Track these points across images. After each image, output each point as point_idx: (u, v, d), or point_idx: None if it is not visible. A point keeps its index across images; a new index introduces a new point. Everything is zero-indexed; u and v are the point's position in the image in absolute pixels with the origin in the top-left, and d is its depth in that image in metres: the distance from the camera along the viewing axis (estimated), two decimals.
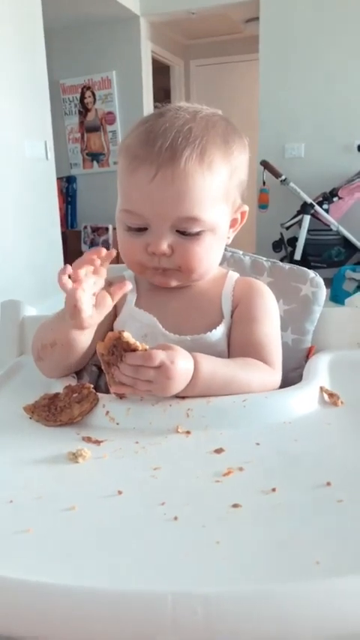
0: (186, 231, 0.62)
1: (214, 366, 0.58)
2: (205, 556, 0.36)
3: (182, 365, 0.55)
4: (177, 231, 0.62)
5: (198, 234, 0.63)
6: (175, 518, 0.40)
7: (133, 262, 0.66)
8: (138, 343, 0.55)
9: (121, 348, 0.55)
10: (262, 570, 0.34)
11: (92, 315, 0.59)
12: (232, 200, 0.66)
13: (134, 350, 0.55)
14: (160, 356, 0.53)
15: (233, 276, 0.72)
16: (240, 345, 0.66)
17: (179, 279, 0.66)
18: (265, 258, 0.83)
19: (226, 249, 0.83)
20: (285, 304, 0.78)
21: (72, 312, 0.58)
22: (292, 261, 3.46)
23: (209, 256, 0.66)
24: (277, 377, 0.64)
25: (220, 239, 0.67)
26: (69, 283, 0.57)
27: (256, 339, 0.65)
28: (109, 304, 0.61)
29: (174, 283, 0.67)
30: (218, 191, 0.63)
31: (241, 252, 0.84)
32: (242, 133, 0.68)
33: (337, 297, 2.20)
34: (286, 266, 0.82)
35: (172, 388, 0.55)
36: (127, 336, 0.55)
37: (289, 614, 0.31)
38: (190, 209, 0.61)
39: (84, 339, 0.62)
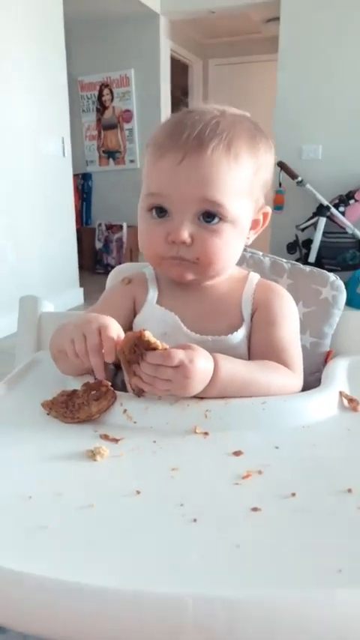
0: (208, 219, 0.62)
1: (234, 367, 0.58)
2: (225, 559, 0.35)
3: (201, 365, 0.55)
4: (198, 220, 0.62)
5: (219, 225, 0.62)
6: (195, 520, 0.39)
7: (151, 253, 0.66)
8: (159, 342, 0.55)
9: (142, 347, 0.55)
10: (283, 576, 0.34)
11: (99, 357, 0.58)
12: (255, 198, 0.66)
13: (154, 349, 0.55)
14: (179, 355, 0.53)
15: (254, 278, 0.72)
16: (260, 349, 0.66)
17: (196, 272, 0.65)
18: (285, 260, 0.83)
19: (245, 250, 0.83)
20: (304, 307, 0.78)
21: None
22: (306, 263, 3.44)
23: (228, 250, 0.65)
24: (298, 381, 0.64)
25: (241, 235, 0.66)
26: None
27: (276, 344, 0.65)
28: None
29: (190, 277, 0.66)
30: (243, 184, 0.63)
31: (260, 254, 0.84)
32: (269, 136, 0.68)
33: (352, 300, 2.18)
34: (307, 268, 0.81)
35: (190, 388, 0.55)
36: (149, 335, 0.55)
37: (311, 621, 0.30)
38: (214, 193, 0.61)
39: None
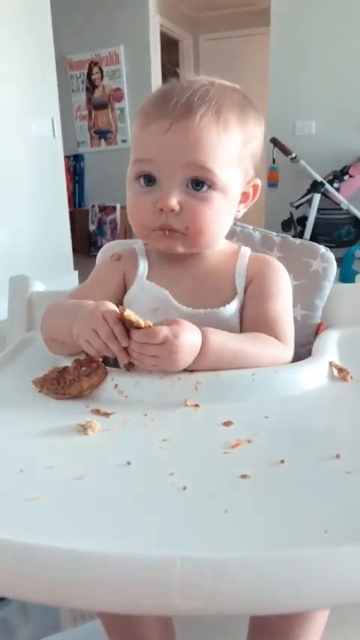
0: (197, 185, 0.61)
1: (223, 340, 0.58)
2: (213, 524, 0.36)
3: (188, 339, 0.55)
4: (187, 187, 0.61)
5: (208, 193, 0.62)
6: (184, 488, 0.40)
7: (139, 223, 0.65)
8: (141, 320, 0.55)
9: (127, 324, 0.55)
10: (269, 538, 0.34)
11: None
12: (244, 168, 0.65)
13: (138, 327, 0.55)
14: (163, 332, 0.54)
15: (246, 252, 0.71)
16: (252, 321, 0.66)
17: (185, 244, 0.64)
18: (275, 233, 0.82)
19: (235, 224, 0.82)
20: (295, 279, 0.77)
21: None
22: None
23: (218, 220, 0.64)
24: (288, 353, 0.64)
25: (230, 205, 0.66)
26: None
27: (268, 316, 0.65)
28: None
29: (180, 249, 0.65)
30: (232, 154, 0.62)
31: (251, 227, 0.83)
32: (259, 108, 0.68)
33: (347, 277, 2.18)
34: (297, 241, 0.81)
35: (177, 363, 0.55)
36: (129, 314, 0.55)
37: (297, 580, 0.31)
38: (204, 159, 0.60)
39: None
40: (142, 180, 0.63)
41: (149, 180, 0.63)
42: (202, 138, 0.60)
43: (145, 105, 0.64)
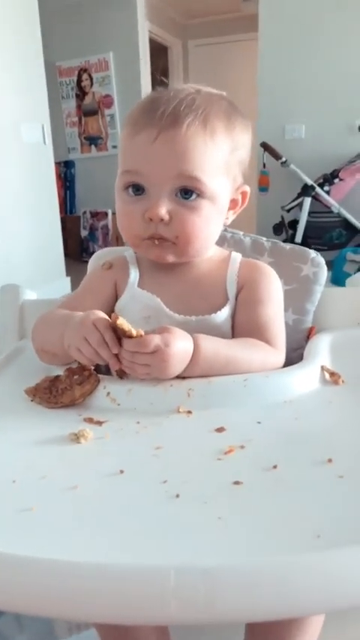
0: (186, 194, 0.61)
1: (215, 346, 0.58)
2: (206, 531, 0.36)
3: (179, 347, 0.55)
4: (176, 197, 0.62)
5: (197, 201, 0.62)
6: (177, 496, 0.40)
7: (130, 233, 0.65)
8: (133, 330, 0.55)
9: (119, 333, 0.55)
10: (263, 544, 0.34)
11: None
12: (232, 176, 0.66)
13: (130, 336, 0.55)
14: (154, 341, 0.54)
15: (237, 257, 0.71)
16: (244, 326, 0.66)
17: (175, 253, 0.65)
18: (265, 239, 0.83)
19: (226, 230, 0.83)
20: (286, 284, 0.78)
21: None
22: (292, 243, 3.44)
23: (207, 228, 0.65)
24: (279, 357, 0.64)
25: (219, 213, 0.66)
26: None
27: (260, 321, 0.65)
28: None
29: (170, 258, 0.65)
30: (219, 162, 0.63)
31: (241, 233, 0.84)
32: (246, 115, 0.68)
33: (338, 279, 2.19)
34: (287, 246, 0.82)
35: (169, 371, 0.55)
36: (122, 322, 0.55)
37: (291, 586, 0.31)
38: (191, 168, 0.60)
39: None
40: (130, 190, 0.63)
41: (138, 189, 0.63)
42: (190, 147, 0.60)
43: (132, 114, 0.64)
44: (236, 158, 0.66)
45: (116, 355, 0.56)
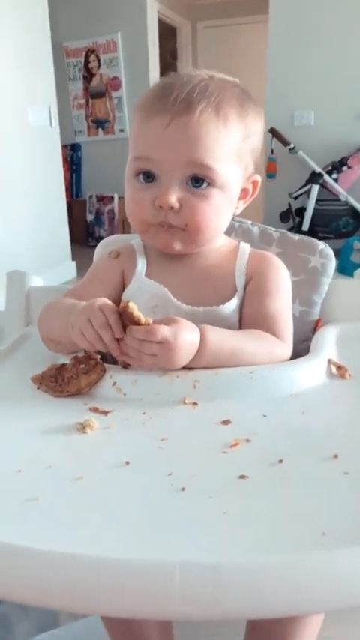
0: (197, 182, 0.61)
1: (221, 338, 0.58)
2: (212, 526, 0.36)
3: (186, 338, 0.55)
4: (186, 185, 0.61)
5: (208, 190, 0.61)
6: (183, 489, 0.40)
7: (138, 220, 0.65)
8: (142, 317, 0.54)
9: (126, 319, 0.55)
10: (268, 541, 0.34)
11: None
12: (244, 164, 0.65)
13: (137, 323, 0.54)
14: (162, 331, 0.53)
15: (246, 248, 0.71)
16: (252, 318, 0.65)
17: (184, 241, 0.64)
18: (274, 229, 0.82)
19: (234, 219, 0.82)
20: (294, 275, 0.77)
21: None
22: (299, 231, 3.42)
23: (217, 217, 0.64)
24: (286, 350, 0.64)
25: (230, 202, 0.65)
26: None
27: (268, 313, 0.65)
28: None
29: (178, 246, 0.64)
30: (231, 149, 0.62)
31: (249, 223, 0.83)
32: (259, 102, 0.67)
33: (345, 268, 2.17)
34: (296, 237, 0.81)
35: (175, 362, 0.55)
36: (133, 307, 0.55)
37: (296, 584, 0.31)
38: (203, 156, 0.60)
39: None
40: (141, 177, 0.63)
41: (148, 176, 0.62)
42: (202, 134, 0.59)
43: (144, 99, 0.63)
44: (249, 146, 0.65)
45: (118, 342, 0.56)
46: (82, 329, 0.56)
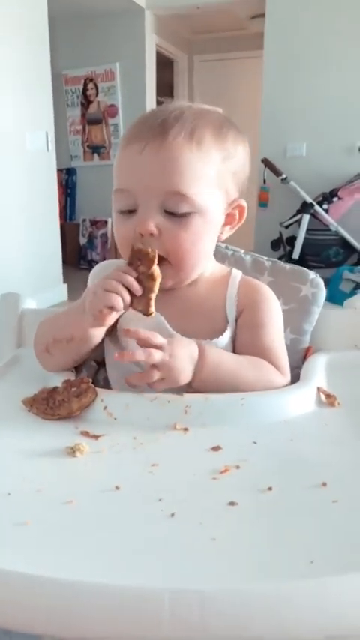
0: (173, 211, 0.61)
1: (220, 354, 0.61)
2: (201, 553, 0.36)
3: (184, 353, 0.59)
4: (165, 211, 0.62)
5: (186, 216, 0.62)
6: (172, 515, 0.40)
7: (125, 252, 0.65)
8: (149, 248, 0.60)
9: (137, 259, 0.60)
10: (257, 568, 0.34)
11: (114, 317, 0.61)
12: (224, 187, 0.65)
13: (146, 255, 0.60)
14: (160, 338, 0.57)
15: (237, 276, 0.71)
16: (247, 350, 0.66)
17: (172, 276, 0.64)
18: (266, 258, 0.84)
19: (227, 247, 0.84)
20: (284, 304, 0.78)
21: (104, 313, 0.59)
22: (290, 260, 3.47)
23: (197, 243, 0.64)
24: (286, 380, 0.65)
25: (211, 226, 0.65)
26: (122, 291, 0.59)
27: (263, 345, 0.66)
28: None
29: (169, 283, 0.65)
30: (208, 173, 0.62)
31: (242, 251, 0.84)
32: (241, 129, 0.68)
33: (334, 297, 2.20)
34: (287, 266, 0.82)
35: (179, 377, 0.58)
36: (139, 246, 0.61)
37: (284, 612, 0.31)
38: (177, 183, 0.60)
39: (99, 335, 0.65)
40: (123, 210, 0.64)
41: (130, 211, 0.63)
42: (175, 157, 0.60)
43: (126, 131, 0.66)
44: (228, 168, 0.64)
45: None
46: (103, 286, 0.59)
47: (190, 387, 0.59)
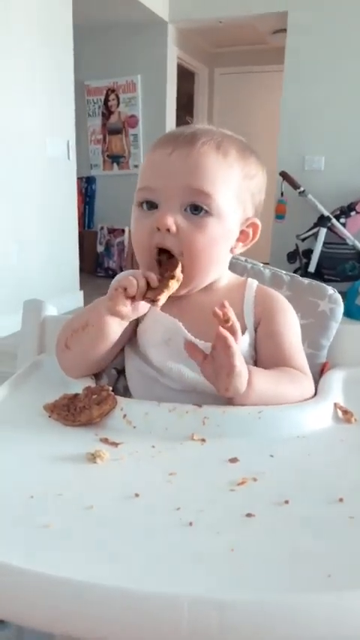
0: (195, 210, 0.64)
1: (265, 378, 0.62)
2: (219, 562, 0.37)
3: (240, 357, 0.59)
4: (185, 211, 0.64)
5: (204, 218, 0.64)
6: (190, 524, 0.41)
7: (142, 250, 0.67)
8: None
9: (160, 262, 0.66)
10: (275, 580, 0.35)
11: (127, 307, 0.62)
12: (242, 203, 0.68)
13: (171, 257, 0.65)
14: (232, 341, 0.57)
15: (252, 284, 0.73)
16: (270, 359, 0.68)
17: (182, 280, 0.66)
18: (284, 272, 0.84)
19: (246, 261, 0.85)
20: (302, 319, 0.79)
21: (117, 293, 0.61)
22: (306, 272, 3.47)
23: (212, 247, 0.66)
24: (312, 382, 0.68)
25: (227, 233, 0.67)
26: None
27: (285, 353, 0.68)
28: (142, 310, 0.65)
29: (180, 290, 0.66)
30: (230, 182, 0.66)
31: (261, 265, 0.85)
32: (261, 158, 0.72)
33: (350, 311, 2.20)
34: (305, 281, 0.83)
35: (234, 360, 0.57)
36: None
37: (301, 625, 0.32)
38: (201, 182, 0.63)
39: (114, 326, 0.65)
40: (144, 206, 0.67)
41: (151, 205, 0.66)
42: (202, 162, 0.64)
43: (155, 141, 0.69)
44: (248, 187, 0.68)
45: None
46: (123, 284, 0.61)
47: (230, 401, 0.60)
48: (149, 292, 0.62)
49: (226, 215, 0.65)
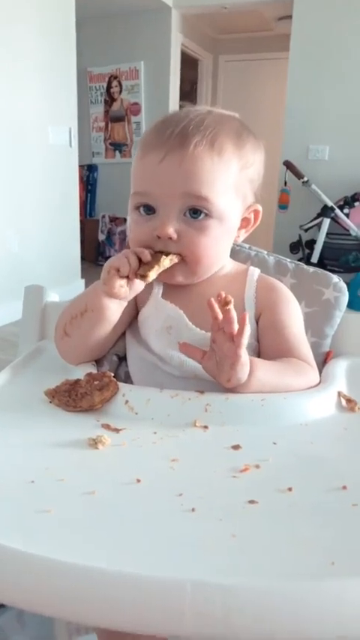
0: (194, 214, 0.63)
1: (267, 367, 0.61)
2: (221, 548, 0.36)
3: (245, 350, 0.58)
4: (184, 216, 0.63)
5: (205, 221, 0.63)
6: (193, 510, 0.40)
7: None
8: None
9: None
10: (277, 567, 0.35)
11: (124, 287, 0.62)
12: (242, 194, 0.67)
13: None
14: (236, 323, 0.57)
15: (254, 273, 0.72)
16: (274, 350, 0.67)
17: (184, 273, 0.66)
18: (289, 260, 0.83)
19: (250, 248, 0.84)
20: (306, 307, 0.78)
21: (111, 275, 0.61)
22: (308, 263, 3.45)
23: (214, 248, 0.65)
24: (317, 373, 0.66)
25: (228, 232, 0.67)
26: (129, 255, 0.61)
27: (288, 345, 0.67)
28: (138, 288, 0.64)
29: (179, 278, 0.66)
30: (228, 180, 0.64)
31: (265, 252, 0.84)
32: (257, 135, 0.69)
33: (353, 302, 2.19)
34: (310, 269, 0.82)
35: (239, 351, 0.57)
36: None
37: (304, 611, 0.32)
38: (199, 188, 0.62)
39: (113, 308, 0.65)
40: (141, 210, 0.65)
41: (148, 209, 0.65)
42: (197, 167, 0.61)
43: (144, 136, 0.66)
44: (246, 176, 0.66)
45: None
46: (123, 254, 0.61)
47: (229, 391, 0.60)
48: (140, 268, 0.62)
49: (226, 215, 0.64)
